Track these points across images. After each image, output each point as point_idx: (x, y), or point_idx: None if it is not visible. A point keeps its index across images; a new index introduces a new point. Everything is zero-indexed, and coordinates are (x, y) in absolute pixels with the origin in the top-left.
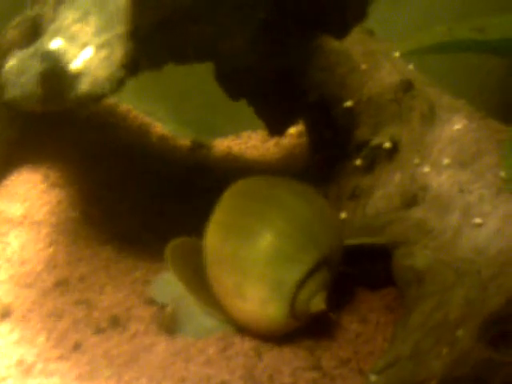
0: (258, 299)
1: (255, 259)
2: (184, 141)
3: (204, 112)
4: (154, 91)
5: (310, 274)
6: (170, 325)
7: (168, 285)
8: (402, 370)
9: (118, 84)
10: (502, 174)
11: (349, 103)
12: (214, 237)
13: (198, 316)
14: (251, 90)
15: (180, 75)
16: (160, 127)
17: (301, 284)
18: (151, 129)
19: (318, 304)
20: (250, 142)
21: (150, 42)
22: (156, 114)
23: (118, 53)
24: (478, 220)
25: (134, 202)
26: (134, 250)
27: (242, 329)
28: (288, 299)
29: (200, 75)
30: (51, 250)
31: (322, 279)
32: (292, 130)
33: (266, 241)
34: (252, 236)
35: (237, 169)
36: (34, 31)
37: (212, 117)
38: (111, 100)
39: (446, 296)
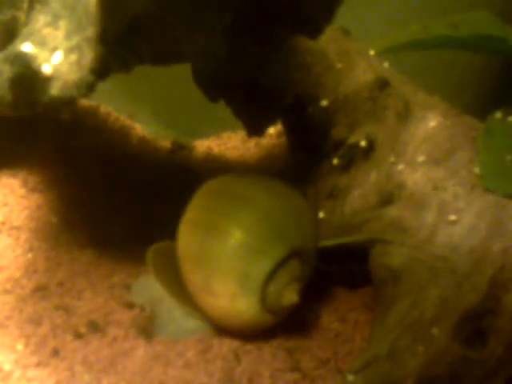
0: (227, 294)
1: (222, 255)
2: (164, 142)
3: (184, 113)
4: (134, 93)
5: (279, 267)
6: (149, 327)
7: (149, 288)
8: (379, 370)
9: (87, 88)
10: (476, 170)
11: (324, 102)
12: (184, 236)
13: (179, 318)
14: (228, 91)
15: (160, 77)
16: (140, 129)
17: (269, 277)
18: (132, 131)
19: (291, 296)
20: (230, 142)
21: (119, 46)
22: (137, 116)
23: (88, 57)
24: (452, 217)
25: (115, 206)
26: (114, 254)
27: (219, 327)
28: (257, 293)
29: (180, 76)
30: (30, 255)
31: (294, 272)
32: (272, 130)
33: (232, 237)
34: (219, 233)
35: (217, 169)
36: (8, 35)
37: (192, 118)
38: (91, 102)
39: (421, 294)
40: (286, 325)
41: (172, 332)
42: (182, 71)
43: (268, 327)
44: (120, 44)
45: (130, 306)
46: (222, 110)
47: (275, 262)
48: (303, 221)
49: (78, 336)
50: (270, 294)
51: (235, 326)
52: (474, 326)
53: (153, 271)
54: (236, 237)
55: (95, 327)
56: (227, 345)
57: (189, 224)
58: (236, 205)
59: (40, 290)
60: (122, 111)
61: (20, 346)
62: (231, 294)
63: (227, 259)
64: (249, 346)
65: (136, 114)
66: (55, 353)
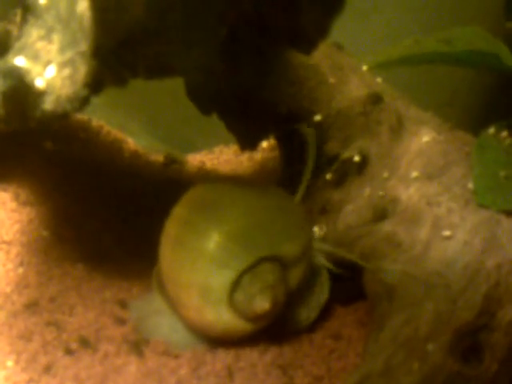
0: (194, 307)
1: (185, 268)
2: (157, 156)
3: (177, 127)
4: (127, 106)
5: (243, 276)
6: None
7: (149, 303)
8: None
9: (81, 103)
10: (470, 185)
11: (318, 117)
12: (160, 249)
13: (181, 330)
14: (220, 105)
15: (153, 90)
16: (133, 143)
17: (234, 287)
18: (124, 145)
19: (262, 304)
20: (222, 156)
21: (113, 60)
22: (129, 129)
23: (82, 71)
24: (446, 232)
25: (107, 220)
26: (105, 269)
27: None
28: (223, 303)
29: (173, 90)
30: (21, 270)
31: (267, 279)
32: (264, 144)
33: (193, 250)
34: (183, 247)
35: None
36: (0, 49)
37: (185, 131)
38: (84, 116)
39: (415, 310)
40: (280, 341)
41: (173, 343)
42: (175, 84)
43: (253, 333)
44: (114, 58)
45: (121, 321)
46: (215, 123)
47: (237, 273)
48: (285, 224)
49: (70, 352)
50: (239, 303)
51: (215, 336)
52: (469, 342)
53: (155, 285)
54: (196, 250)
55: (86, 343)
56: (220, 361)
57: (164, 237)
58: (201, 216)
59: (31, 305)
60: (114, 124)
61: (10, 363)
62: (197, 306)
63: (189, 272)
64: (242, 363)
65: (128, 128)
66: (46, 369)
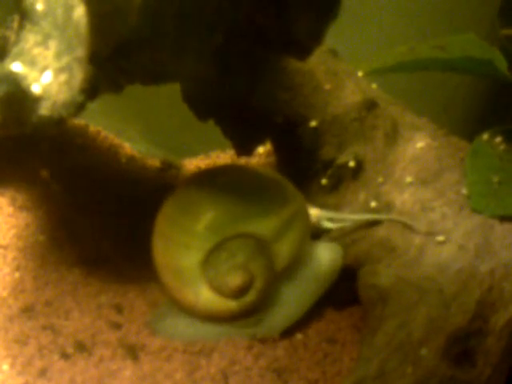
0: (174, 288)
1: (160, 252)
2: (153, 161)
3: (173, 132)
4: (124, 111)
5: (211, 254)
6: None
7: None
8: None
9: (77, 108)
10: (464, 191)
11: (313, 123)
12: (152, 240)
13: (198, 324)
14: (217, 111)
15: (150, 95)
16: (129, 148)
17: (204, 266)
18: (120, 150)
19: (233, 280)
20: (219, 161)
21: (109, 66)
22: (126, 134)
23: (78, 77)
24: (440, 238)
25: (103, 225)
26: (101, 273)
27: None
28: (197, 282)
29: (169, 95)
30: (17, 274)
31: (236, 257)
32: (261, 150)
33: (166, 237)
34: (161, 235)
35: None
36: None
37: (181, 136)
38: (81, 121)
39: (409, 315)
40: (274, 345)
41: (188, 334)
42: (172, 90)
43: (243, 311)
44: (110, 64)
45: (117, 326)
46: (212, 128)
47: (204, 253)
48: (258, 202)
49: (65, 356)
50: (214, 281)
51: (201, 314)
52: (463, 347)
53: None
54: (169, 235)
55: (82, 347)
56: (215, 365)
57: (154, 229)
58: (176, 208)
59: (27, 309)
60: (111, 129)
61: (6, 367)
62: (176, 286)
63: (162, 255)
64: (237, 367)
65: (125, 133)
66: (42, 373)
